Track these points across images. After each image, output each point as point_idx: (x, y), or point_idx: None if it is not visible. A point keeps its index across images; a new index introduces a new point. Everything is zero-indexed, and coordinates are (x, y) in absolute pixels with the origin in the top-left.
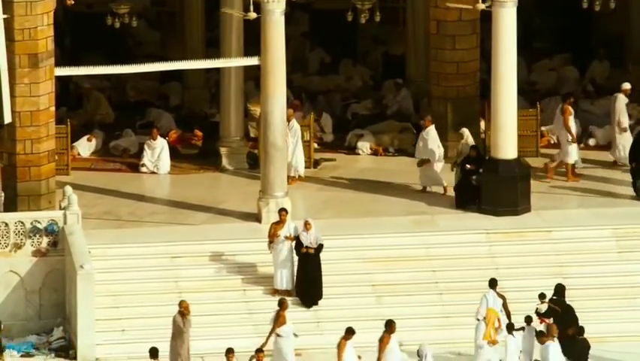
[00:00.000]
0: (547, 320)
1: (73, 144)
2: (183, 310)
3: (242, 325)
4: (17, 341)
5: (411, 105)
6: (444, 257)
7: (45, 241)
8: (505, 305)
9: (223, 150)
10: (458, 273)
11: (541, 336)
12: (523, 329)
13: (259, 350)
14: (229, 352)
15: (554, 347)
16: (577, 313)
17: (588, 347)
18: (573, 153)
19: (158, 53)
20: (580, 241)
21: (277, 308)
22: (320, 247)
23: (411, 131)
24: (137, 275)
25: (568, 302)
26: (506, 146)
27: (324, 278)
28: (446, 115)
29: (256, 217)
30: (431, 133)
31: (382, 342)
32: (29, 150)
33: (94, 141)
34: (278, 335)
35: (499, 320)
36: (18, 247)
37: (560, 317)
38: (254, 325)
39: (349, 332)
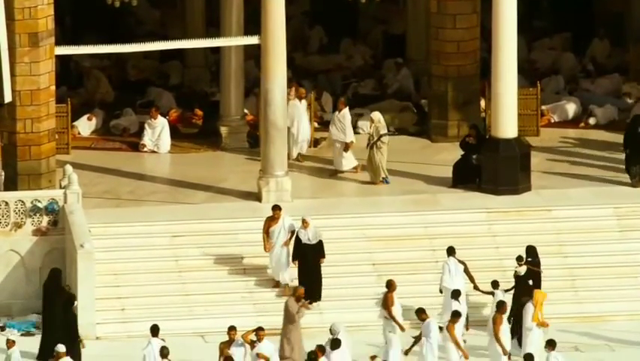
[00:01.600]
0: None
1: (74, 123)
2: (298, 296)
3: (242, 303)
4: (18, 319)
5: (411, 84)
6: (444, 236)
7: (45, 220)
8: (466, 271)
9: (223, 129)
10: (458, 252)
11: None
12: (492, 293)
13: (260, 328)
14: (231, 329)
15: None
16: (578, 293)
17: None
18: None
19: (158, 32)
20: (580, 220)
21: (385, 290)
22: (320, 243)
23: (411, 111)
24: (137, 254)
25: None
26: (506, 125)
27: (326, 257)
28: (446, 94)
29: (256, 196)
30: (347, 116)
31: (388, 301)
32: (29, 128)
33: (94, 120)
34: (386, 317)
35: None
36: (18, 226)
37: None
38: (254, 303)
39: (502, 304)
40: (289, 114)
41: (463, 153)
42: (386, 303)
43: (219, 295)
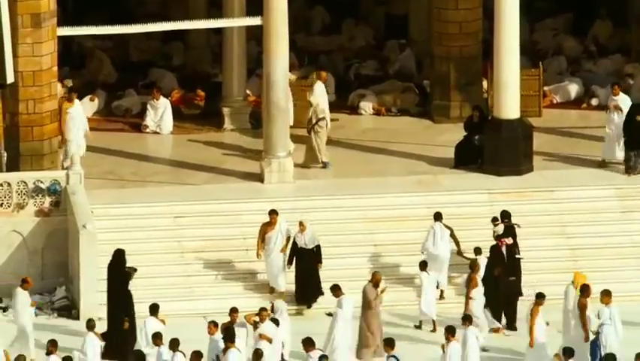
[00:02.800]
0: (506, 240)
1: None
2: (376, 282)
3: (244, 284)
4: None
5: (414, 65)
6: (446, 217)
7: (48, 200)
8: (452, 235)
9: (225, 110)
10: (460, 233)
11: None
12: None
13: (263, 309)
14: (233, 311)
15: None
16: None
17: (518, 292)
18: None
19: (160, 13)
20: (583, 201)
21: (469, 271)
22: (317, 248)
23: (413, 91)
24: (140, 235)
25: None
26: (509, 106)
27: (327, 238)
28: (449, 75)
29: (259, 177)
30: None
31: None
32: (32, 109)
33: (96, 101)
34: (470, 298)
35: None
36: (21, 206)
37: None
38: (256, 284)
39: (540, 297)
40: (321, 99)
41: (465, 134)
42: (469, 284)
43: (221, 277)
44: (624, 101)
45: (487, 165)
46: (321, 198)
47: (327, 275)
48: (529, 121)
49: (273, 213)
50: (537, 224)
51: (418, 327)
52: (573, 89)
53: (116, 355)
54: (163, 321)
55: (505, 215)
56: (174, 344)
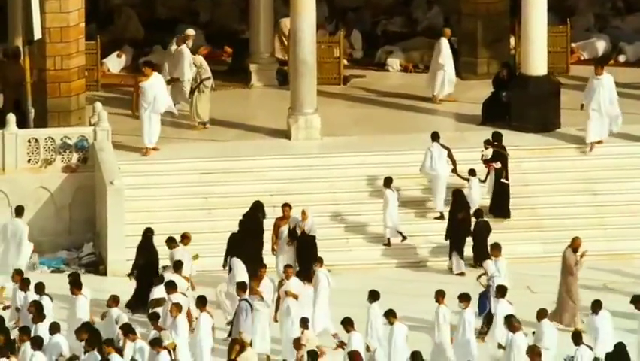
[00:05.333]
0: (494, 165)
1: (103, 60)
2: (575, 248)
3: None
4: (47, 256)
5: (441, 22)
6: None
7: (75, 157)
8: (450, 155)
9: (252, 67)
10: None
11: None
12: (467, 180)
13: (288, 266)
14: (260, 266)
15: None
16: (607, 230)
17: (488, 230)
18: None
19: None
20: (610, 158)
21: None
22: (312, 238)
23: None
24: (167, 192)
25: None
26: (536, 62)
27: (354, 195)
28: (476, 32)
29: (285, 134)
30: (185, 52)
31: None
32: (59, 65)
33: (123, 58)
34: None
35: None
36: (48, 163)
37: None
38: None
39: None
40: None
41: (492, 90)
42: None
43: None
44: None
45: (515, 121)
46: (348, 155)
47: (353, 231)
48: (556, 78)
49: (285, 206)
50: (563, 181)
51: (387, 244)
52: (601, 45)
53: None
54: (187, 279)
55: (496, 137)
56: (201, 302)
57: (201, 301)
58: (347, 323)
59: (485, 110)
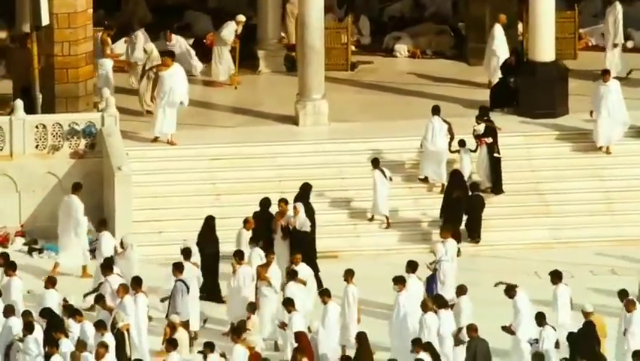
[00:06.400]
0: (486, 140)
1: (111, 45)
2: None
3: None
4: (55, 242)
5: (449, 7)
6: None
7: (83, 142)
8: (450, 130)
9: (260, 53)
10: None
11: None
12: (458, 151)
13: (297, 253)
14: (269, 253)
15: None
16: (615, 216)
17: (482, 204)
18: None
19: None
20: (617, 144)
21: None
22: (303, 233)
23: (448, 34)
24: (175, 177)
25: None
26: (544, 48)
27: (361, 181)
28: (484, 17)
29: (293, 120)
30: (140, 37)
31: None
32: (67, 51)
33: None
34: None
35: None
36: (56, 148)
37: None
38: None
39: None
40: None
41: (501, 76)
42: None
43: None
44: None
45: (522, 107)
46: (356, 141)
47: (361, 217)
48: (564, 64)
49: (282, 202)
50: (570, 167)
51: (371, 219)
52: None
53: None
54: (196, 265)
55: (485, 112)
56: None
57: (137, 282)
58: (288, 304)
59: (493, 96)
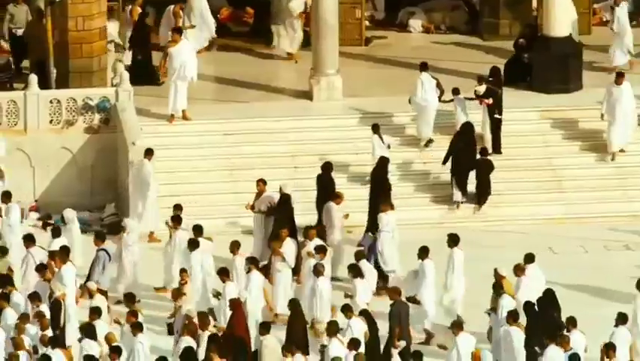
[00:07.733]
0: (486, 101)
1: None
2: None
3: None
4: None
5: None
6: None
7: (97, 117)
8: (439, 85)
9: (274, 28)
10: (509, 151)
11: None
12: (452, 100)
13: (309, 227)
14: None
15: None
16: (627, 191)
17: (490, 167)
18: None
19: None
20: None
21: None
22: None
23: (462, 9)
24: (189, 152)
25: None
26: (558, 23)
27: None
28: None
29: (308, 95)
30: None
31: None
32: (81, 26)
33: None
34: None
35: None
36: (70, 123)
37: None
38: (304, 202)
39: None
40: None
41: (515, 51)
42: None
43: None
44: None
45: (536, 82)
46: (370, 116)
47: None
48: (578, 39)
49: (259, 181)
50: (584, 142)
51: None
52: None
53: None
54: (210, 239)
55: (495, 72)
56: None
57: (65, 252)
58: (222, 274)
59: (507, 71)
